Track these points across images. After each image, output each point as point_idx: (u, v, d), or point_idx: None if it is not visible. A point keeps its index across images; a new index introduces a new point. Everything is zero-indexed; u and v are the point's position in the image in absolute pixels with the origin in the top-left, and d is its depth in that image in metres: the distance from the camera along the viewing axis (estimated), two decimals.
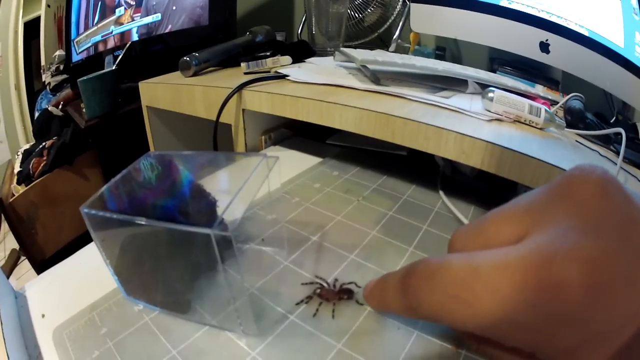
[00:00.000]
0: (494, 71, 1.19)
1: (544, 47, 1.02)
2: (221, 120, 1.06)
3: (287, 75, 1.04)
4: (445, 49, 1.42)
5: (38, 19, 4.18)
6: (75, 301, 0.58)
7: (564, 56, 1.00)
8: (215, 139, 1.06)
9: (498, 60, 1.23)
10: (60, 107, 2.31)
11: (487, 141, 0.63)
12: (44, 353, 0.51)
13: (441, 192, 0.78)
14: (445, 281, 0.34)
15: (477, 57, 1.36)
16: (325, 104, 0.83)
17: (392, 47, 1.44)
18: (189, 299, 0.52)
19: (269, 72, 1.13)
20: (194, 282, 0.51)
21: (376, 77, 0.92)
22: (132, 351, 0.48)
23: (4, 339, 0.48)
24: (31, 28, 4.31)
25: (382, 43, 1.52)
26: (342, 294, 0.54)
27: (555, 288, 0.28)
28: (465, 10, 1.16)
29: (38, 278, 0.67)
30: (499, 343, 0.35)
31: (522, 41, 1.06)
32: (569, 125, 0.81)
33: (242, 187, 0.48)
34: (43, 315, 0.57)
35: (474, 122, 0.73)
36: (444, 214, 0.73)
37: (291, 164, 0.94)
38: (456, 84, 0.91)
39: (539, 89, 1.06)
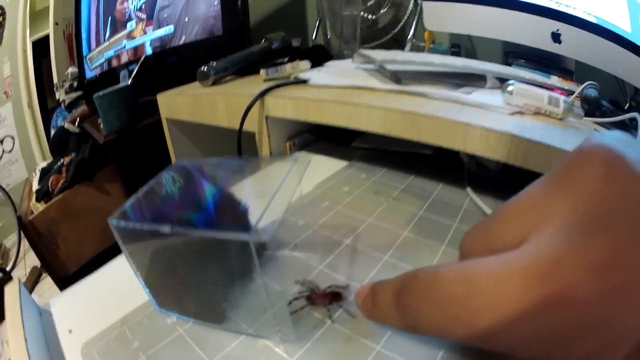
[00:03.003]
0: (509, 65, 1.19)
1: (556, 37, 1.02)
2: (244, 128, 1.06)
3: (308, 80, 1.04)
4: (460, 45, 1.42)
5: (47, 37, 4.23)
6: (104, 316, 0.57)
7: (575, 45, 1.00)
8: (239, 147, 1.06)
9: (512, 53, 1.23)
10: (76, 123, 2.33)
11: (513, 134, 0.63)
12: None
13: (468, 189, 0.78)
14: (441, 299, 0.32)
15: (491, 52, 1.36)
16: (351, 106, 0.83)
17: (408, 47, 1.44)
18: (223, 308, 0.51)
19: (288, 77, 1.13)
20: (228, 290, 0.51)
21: (397, 77, 0.92)
22: None
23: (29, 355, 0.47)
24: (40, 47, 4.37)
25: (397, 44, 1.52)
26: (330, 297, 0.52)
27: (563, 301, 0.25)
28: (476, 5, 1.16)
29: (63, 294, 0.67)
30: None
31: (534, 33, 1.06)
32: (586, 114, 0.80)
33: (277, 192, 0.48)
34: (70, 331, 0.57)
35: (497, 116, 0.73)
36: (472, 210, 0.72)
37: (318, 168, 0.94)
38: (475, 80, 0.91)
39: (555, 80, 1.05)
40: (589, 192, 0.27)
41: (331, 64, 1.26)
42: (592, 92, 0.86)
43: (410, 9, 1.45)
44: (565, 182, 0.30)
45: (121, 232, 0.48)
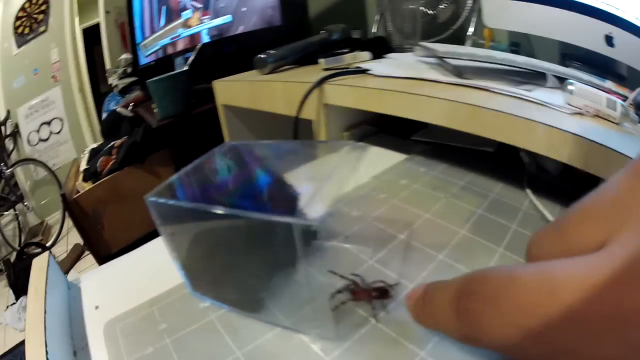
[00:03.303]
0: (566, 67, 1.17)
1: (609, 40, 1.00)
2: (302, 116, 1.05)
3: (369, 70, 1.01)
4: (519, 44, 1.40)
5: (97, 25, 4.37)
6: (134, 295, 0.56)
7: (627, 50, 0.98)
8: (295, 135, 1.05)
9: (569, 55, 1.21)
10: (130, 108, 2.37)
11: (575, 134, 0.60)
12: (91, 345, 0.50)
13: (528, 191, 0.74)
14: (513, 306, 0.27)
15: (549, 53, 1.34)
16: (414, 96, 0.80)
17: (467, 44, 1.42)
18: (262, 297, 0.48)
19: (348, 68, 1.11)
20: (269, 279, 0.47)
21: (459, 71, 0.89)
22: (191, 349, 0.46)
23: (45, 327, 0.46)
24: (92, 34, 4.60)
25: (457, 40, 1.50)
26: (375, 293, 0.48)
27: None
28: (533, 4, 1.15)
29: (96, 270, 0.67)
30: None
31: (588, 35, 1.05)
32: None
33: (329, 177, 0.45)
34: (97, 307, 0.56)
35: (558, 115, 0.70)
36: (532, 213, 0.68)
37: (376, 160, 0.91)
38: (535, 78, 0.89)
39: (610, 84, 1.03)
40: None
41: (392, 56, 1.24)
42: None
43: (470, 4, 1.43)
44: None
45: (159, 209, 0.46)
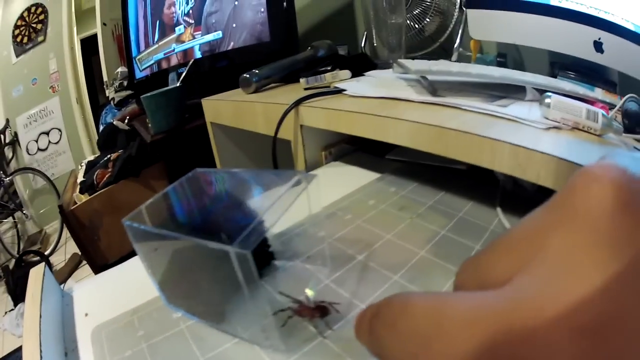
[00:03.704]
0: (554, 76, 1.15)
1: (598, 46, 0.99)
2: (281, 136, 1.08)
3: (345, 90, 1.04)
4: (506, 55, 1.39)
5: (95, 35, 4.41)
6: (119, 304, 0.62)
7: (617, 55, 0.95)
8: (274, 155, 1.08)
9: (558, 64, 1.20)
10: (126, 121, 2.39)
11: (543, 152, 0.59)
12: (80, 348, 0.56)
13: (499, 209, 0.74)
14: (405, 332, 0.27)
15: (538, 62, 1.33)
16: (379, 118, 0.82)
17: (454, 56, 1.42)
18: (224, 310, 0.54)
19: (328, 86, 1.14)
20: (233, 294, 0.52)
21: (433, 88, 0.90)
22: (162, 354, 0.52)
23: (40, 330, 0.52)
24: (90, 44, 4.64)
25: (445, 53, 1.50)
26: (316, 311, 0.52)
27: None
28: (518, 13, 1.14)
29: (87, 280, 0.74)
30: None
31: (576, 42, 1.03)
32: (627, 129, 0.75)
33: (271, 205, 0.50)
34: (86, 314, 0.63)
35: (531, 131, 0.68)
36: (499, 232, 0.68)
37: (349, 179, 0.94)
38: (514, 92, 0.87)
39: (598, 93, 1.02)
40: (591, 222, 0.22)
41: (372, 74, 1.26)
42: (633, 106, 0.80)
43: (456, 16, 1.43)
44: (564, 211, 0.24)
45: (135, 232, 0.53)
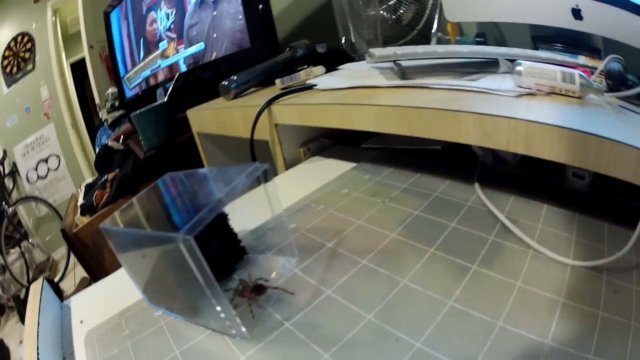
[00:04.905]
0: (536, 49, 1.15)
1: (576, 13, 0.98)
2: (259, 137, 1.11)
3: (315, 85, 1.07)
4: (486, 34, 1.39)
5: (84, 59, 4.45)
6: (109, 308, 0.67)
7: (596, 20, 0.94)
8: (253, 156, 1.12)
9: (540, 37, 1.19)
10: (120, 141, 2.42)
11: (510, 117, 0.58)
12: (76, 352, 0.60)
13: (477, 185, 0.73)
14: None
15: (519, 38, 1.33)
16: (344, 107, 0.85)
17: (433, 41, 1.43)
18: (198, 305, 0.57)
19: (303, 84, 1.15)
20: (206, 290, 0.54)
21: (403, 73, 0.92)
22: (144, 349, 0.56)
23: (38, 337, 0.57)
24: (79, 68, 4.72)
25: (425, 39, 1.51)
26: (254, 291, 0.57)
27: None
28: None
29: (82, 291, 0.78)
30: None
31: (554, 12, 1.02)
32: (611, 90, 0.73)
33: (222, 196, 0.53)
34: (81, 321, 0.67)
35: (502, 100, 0.67)
36: (477, 208, 0.68)
37: (325, 172, 0.95)
38: (487, 67, 0.88)
39: (581, 59, 1.01)
40: None
41: (346, 67, 1.29)
42: (616, 66, 0.78)
43: (431, 2, 1.43)
44: None
45: (113, 235, 0.59)
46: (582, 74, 0.67)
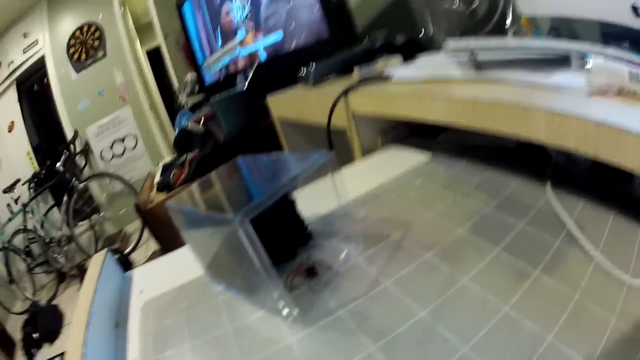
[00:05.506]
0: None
1: (636, 10, 0.96)
2: (336, 125, 1.12)
3: (392, 76, 1.06)
4: (559, 30, 1.35)
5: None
6: (170, 282, 0.70)
7: None
8: (330, 144, 1.14)
9: (610, 35, 1.16)
10: (200, 124, 2.47)
11: (579, 116, 0.55)
12: (130, 319, 0.64)
13: (548, 186, 0.69)
14: None
15: (590, 35, 1.29)
16: (417, 98, 0.84)
17: (509, 35, 1.42)
18: (256, 284, 0.58)
19: (381, 74, 1.15)
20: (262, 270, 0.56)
21: (477, 66, 0.90)
22: (197, 322, 0.59)
23: (92, 303, 0.60)
24: (158, 55, 4.93)
25: (501, 33, 1.49)
26: (306, 273, 0.58)
27: None
28: None
29: (146, 264, 0.83)
30: None
31: (615, 8, 1.00)
32: None
33: (282, 182, 0.55)
34: (141, 292, 0.71)
35: (573, 99, 0.62)
36: (547, 210, 0.64)
37: (400, 163, 0.93)
38: (560, 64, 0.81)
39: None
40: None
41: (423, 58, 1.26)
42: None
43: None
44: None
45: (177, 214, 0.63)
46: None
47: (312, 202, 0.69)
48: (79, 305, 0.61)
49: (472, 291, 0.51)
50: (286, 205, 0.65)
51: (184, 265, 0.72)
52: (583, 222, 0.59)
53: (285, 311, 0.54)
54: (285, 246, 0.64)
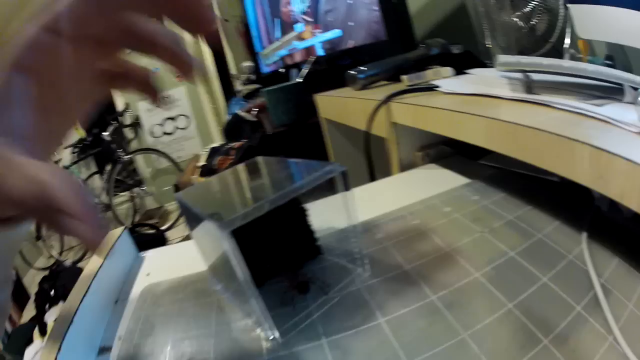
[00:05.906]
0: None
1: None
2: (376, 133, 1.09)
3: (438, 87, 1.02)
4: (614, 57, 1.29)
5: None
6: (176, 270, 0.72)
7: None
8: (368, 152, 1.11)
9: None
10: (252, 113, 2.48)
11: (627, 158, 0.45)
12: (130, 299, 0.67)
13: (584, 235, 0.62)
14: None
15: None
16: (455, 114, 0.78)
17: (566, 57, 1.36)
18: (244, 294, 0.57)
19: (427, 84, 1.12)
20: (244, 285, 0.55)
21: (529, 86, 0.84)
22: (186, 316, 0.59)
23: (94, 279, 0.62)
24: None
25: (558, 54, 1.44)
26: (297, 288, 0.57)
27: None
28: (622, 9, 1.05)
29: (161, 248, 0.85)
30: None
31: None
32: None
33: (279, 193, 0.50)
34: (148, 274, 0.74)
35: (622, 134, 0.55)
36: (577, 264, 0.57)
37: (434, 183, 0.88)
38: (614, 93, 0.74)
39: None
40: None
41: (475, 72, 1.22)
42: None
43: (562, 13, 1.35)
44: None
45: (182, 207, 0.61)
46: None
47: (330, 215, 0.63)
48: (82, 275, 0.64)
49: (469, 350, 0.45)
50: (295, 214, 0.63)
51: (194, 256, 0.71)
52: (612, 284, 0.52)
53: (263, 333, 0.53)
54: (288, 256, 0.62)
